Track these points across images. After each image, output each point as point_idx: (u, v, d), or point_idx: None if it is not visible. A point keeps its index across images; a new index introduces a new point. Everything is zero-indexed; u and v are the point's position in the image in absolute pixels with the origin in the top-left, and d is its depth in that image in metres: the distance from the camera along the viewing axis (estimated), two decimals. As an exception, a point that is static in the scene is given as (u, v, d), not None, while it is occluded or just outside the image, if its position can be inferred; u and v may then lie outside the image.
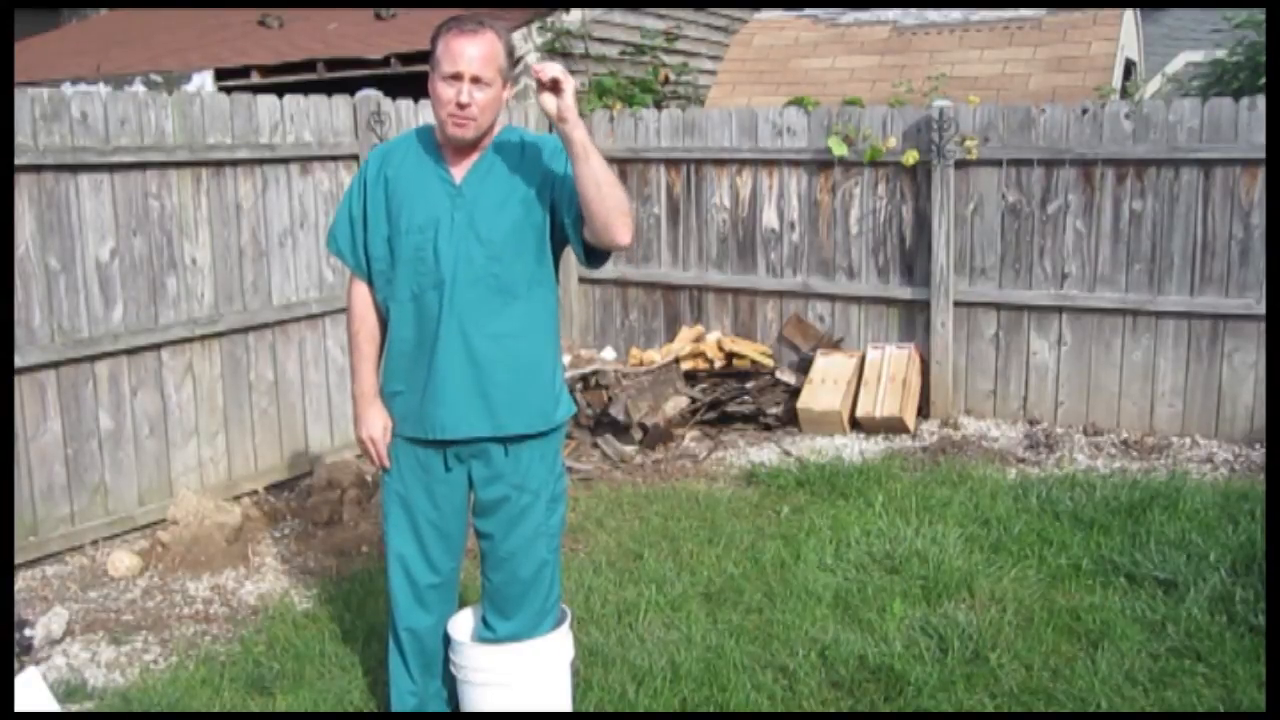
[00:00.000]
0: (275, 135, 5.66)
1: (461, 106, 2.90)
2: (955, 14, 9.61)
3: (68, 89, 5.80)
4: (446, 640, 3.24)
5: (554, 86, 2.81)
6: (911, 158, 6.67)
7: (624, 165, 7.58)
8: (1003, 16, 9.38)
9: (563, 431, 3.23)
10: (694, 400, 6.78)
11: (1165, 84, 11.44)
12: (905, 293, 6.88)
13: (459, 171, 3.03)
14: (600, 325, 7.90)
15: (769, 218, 7.24)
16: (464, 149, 3.03)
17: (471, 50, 2.90)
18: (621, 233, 2.90)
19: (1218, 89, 9.03)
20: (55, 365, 4.83)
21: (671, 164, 7.48)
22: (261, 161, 5.61)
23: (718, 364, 7.07)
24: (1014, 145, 6.52)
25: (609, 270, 7.66)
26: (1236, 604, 4.05)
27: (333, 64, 8.27)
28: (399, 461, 3.14)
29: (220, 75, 8.66)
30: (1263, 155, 5.93)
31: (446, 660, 3.25)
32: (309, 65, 8.35)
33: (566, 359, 6.67)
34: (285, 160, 5.72)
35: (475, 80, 2.90)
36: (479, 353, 3.00)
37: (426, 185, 3.02)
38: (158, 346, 5.23)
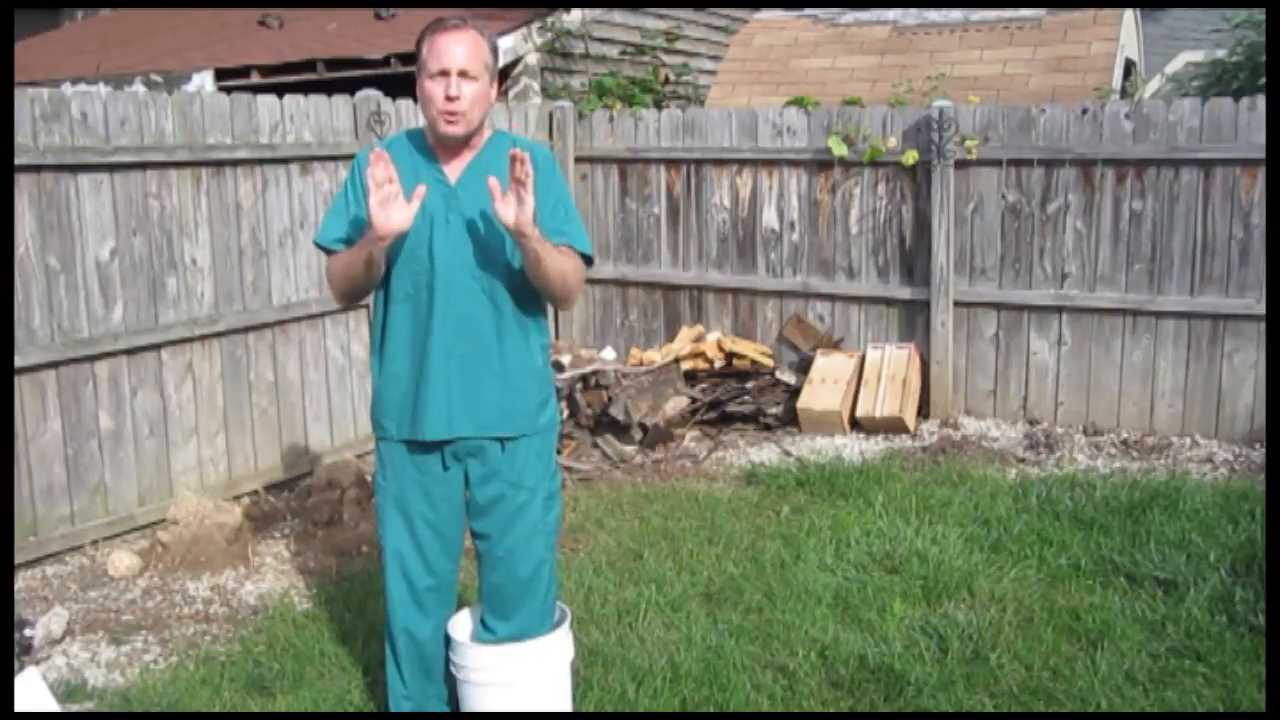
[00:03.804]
0: (275, 135, 5.66)
1: (451, 99, 2.90)
2: (955, 14, 9.61)
3: (68, 89, 5.80)
4: (446, 641, 3.24)
5: (518, 188, 2.79)
6: (911, 158, 6.67)
7: (624, 165, 7.57)
8: (1003, 16, 9.37)
9: (556, 429, 3.24)
10: (694, 400, 6.78)
11: (1165, 84, 11.44)
12: (905, 293, 6.88)
13: (453, 171, 3.04)
14: (600, 325, 7.90)
15: (769, 218, 7.24)
16: (457, 148, 3.03)
17: (457, 47, 2.92)
18: (568, 307, 3.21)
19: (1218, 89, 9.03)
20: (55, 365, 4.83)
21: (671, 164, 7.47)
22: (261, 161, 5.61)
23: (718, 364, 7.07)
24: (1014, 145, 6.52)
25: (609, 270, 7.67)
26: (1236, 604, 4.05)
27: (333, 64, 8.27)
28: (393, 464, 3.12)
29: (220, 75, 8.66)
30: (1263, 155, 5.93)
31: (447, 661, 3.25)
32: (309, 65, 8.35)
33: (566, 359, 6.67)
34: (285, 160, 5.72)
35: (463, 74, 2.91)
36: (470, 355, 3.00)
37: (420, 184, 3.01)
38: (158, 346, 5.23)
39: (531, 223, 2.84)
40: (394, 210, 2.82)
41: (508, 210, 2.82)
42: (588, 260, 3.13)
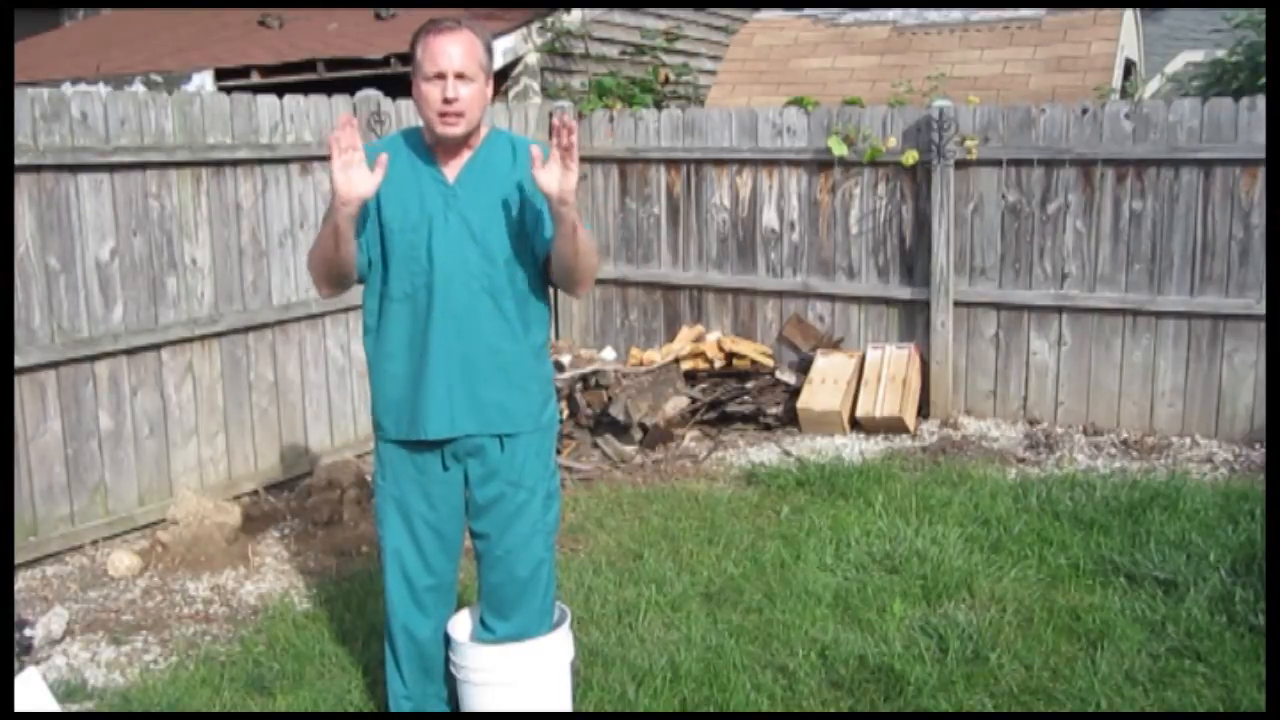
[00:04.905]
0: (275, 135, 5.66)
1: (449, 101, 2.90)
2: (955, 14, 9.61)
3: (68, 89, 5.80)
4: (447, 641, 3.24)
5: (564, 156, 2.79)
6: (911, 158, 6.67)
7: (624, 165, 7.57)
8: (1003, 16, 9.37)
9: (556, 428, 3.24)
10: (694, 400, 6.78)
11: (1165, 84, 11.45)
12: (905, 293, 6.88)
13: (451, 171, 3.03)
14: (600, 325, 7.90)
15: (769, 218, 7.24)
16: (454, 147, 3.02)
17: (452, 48, 2.91)
18: (584, 291, 3.11)
19: (1218, 89, 9.04)
20: (55, 365, 4.83)
21: (671, 164, 7.47)
22: (261, 161, 5.61)
23: (718, 364, 7.07)
24: (1014, 145, 6.51)
25: (609, 270, 7.67)
26: (1236, 604, 4.05)
27: (333, 64, 8.27)
28: (392, 465, 3.13)
29: (220, 75, 8.65)
30: (1263, 155, 5.93)
31: (447, 661, 3.25)
32: (309, 65, 8.35)
33: (566, 359, 6.67)
34: (285, 160, 5.72)
35: (459, 76, 2.91)
36: (470, 354, 3.00)
37: (419, 184, 3.02)
38: (158, 346, 5.23)
39: (573, 191, 2.84)
40: (355, 175, 2.79)
41: (550, 177, 2.82)
42: None
